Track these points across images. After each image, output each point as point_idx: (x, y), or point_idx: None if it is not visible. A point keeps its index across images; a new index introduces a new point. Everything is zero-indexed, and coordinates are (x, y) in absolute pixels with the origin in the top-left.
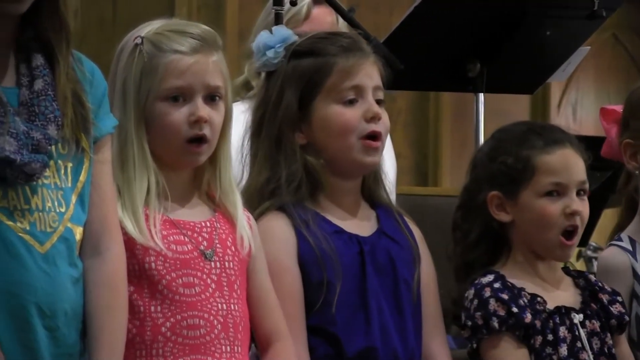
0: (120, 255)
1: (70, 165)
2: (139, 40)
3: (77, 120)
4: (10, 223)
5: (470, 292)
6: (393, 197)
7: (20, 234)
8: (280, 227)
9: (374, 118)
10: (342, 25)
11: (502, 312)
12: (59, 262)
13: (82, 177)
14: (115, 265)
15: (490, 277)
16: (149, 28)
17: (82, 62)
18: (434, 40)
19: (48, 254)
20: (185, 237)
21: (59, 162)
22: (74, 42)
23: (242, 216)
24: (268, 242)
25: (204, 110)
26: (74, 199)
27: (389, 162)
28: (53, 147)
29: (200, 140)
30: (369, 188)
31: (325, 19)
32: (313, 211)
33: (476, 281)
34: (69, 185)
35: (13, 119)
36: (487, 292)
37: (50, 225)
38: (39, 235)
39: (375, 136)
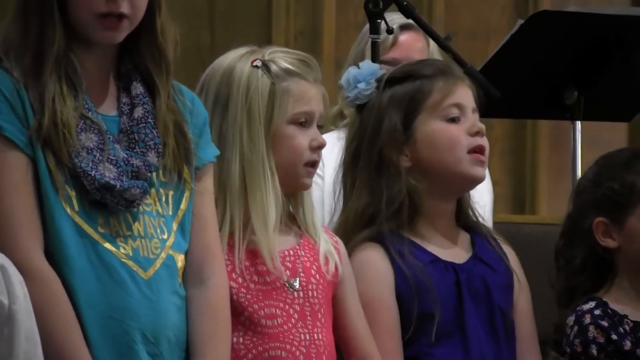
0: (222, 283)
1: (171, 193)
2: (258, 63)
3: (179, 150)
4: (113, 249)
5: (571, 319)
6: (489, 224)
7: (123, 260)
8: (377, 261)
9: (479, 133)
10: (433, 52)
11: (601, 340)
12: (162, 289)
13: (182, 206)
14: (218, 294)
15: (591, 304)
16: (257, 55)
17: (183, 92)
18: (531, 68)
19: (151, 280)
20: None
21: (160, 190)
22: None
23: (324, 237)
24: (367, 277)
25: (323, 138)
26: (175, 226)
27: (485, 189)
28: (154, 174)
29: (314, 164)
30: (465, 212)
31: (414, 45)
32: (409, 240)
33: (578, 308)
34: (170, 213)
35: (113, 146)
36: (587, 319)
37: (152, 251)
38: (142, 261)
39: (482, 150)
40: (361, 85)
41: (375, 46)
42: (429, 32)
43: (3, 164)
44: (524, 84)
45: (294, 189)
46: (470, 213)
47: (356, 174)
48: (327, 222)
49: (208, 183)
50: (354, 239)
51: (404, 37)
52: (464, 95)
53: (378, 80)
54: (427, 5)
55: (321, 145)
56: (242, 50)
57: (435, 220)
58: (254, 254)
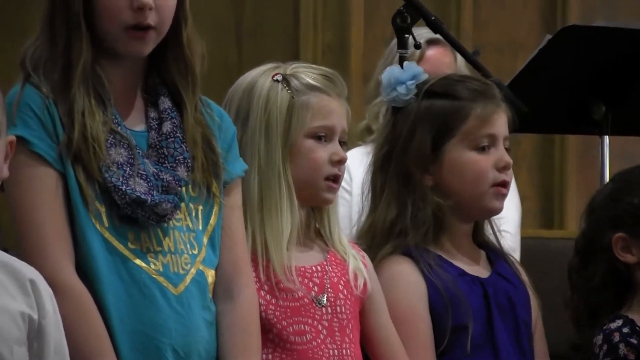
0: (252, 298)
1: (200, 208)
2: (279, 77)
3: (207, 165)
4: (143, 265)
5: (599, 338)
6: (517, 239)
7: (154, 276)
8: (409, 274)
9: (505, 168)
10: (461, 66)
11: (632, 357)
12: (192, 304)
13: (212, 221)
14: (248, 308)
15: (619, 322)
16: (279, 70)
17: (211, 106)
18: (559, 82)
19: (182, 295)
20: (296, 284)
21: (190, 205)
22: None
23: (353, 255)
24: (399, 290)
25: (344, 153)
26: (205, 241)
27: (512, 205)
28: (184, 189)
29: (335, 179)
30: (481, 231)
31: (442, 60)
32: (436, 254)
33: (605, 327)
34: (200, 227)
35: (142, 161)
36: (617, 337)
37: (182, 267)
38: (172, 277)
39: (505, 184)
40: (400, 89)
41: (402, 60)
42: (457, 47)
43: (33, 179)
44: (552, 98)
45: (314, 203)
46: (487, 231)
47: (386, 179)
48: (354, 220)
49: (237, 198)
50: (380, 252)
51: (431, 52)
52: (499, 124)
53: (418, 87)
54: (455, 20)
55: (342, 160)
56: (266, 66)
57: (458, 237)
58: None
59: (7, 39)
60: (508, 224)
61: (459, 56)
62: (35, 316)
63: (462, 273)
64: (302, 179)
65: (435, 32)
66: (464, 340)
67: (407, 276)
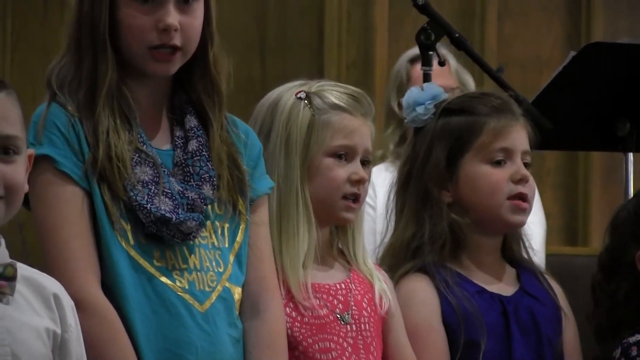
0: (279, 315)
1: (227, 226)
2: (302, 95)
3: (233, 182)
4: (169, 282)
5: (618, 351)
6: (541, 255)
7: (179, 294)
8: (423, 289)
9: (522, 180)
10: (458, 70)
11: None
12: (218, 322)
13: (238, 238)
14: (274, 326)
15: (638, 337)
16: (304, 87)
17: (237, 124)
18: (583, 99)
19: (207, 313)
20: (321, 301)
21: (216, 222)
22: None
23: (378, 277)
24: (413, 305)
25: (364, 172)
26: (231, 258)
27: (537, 222)
28: (209, 207)
29: (355, 200)
30: (510, 247)
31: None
32: (455, 271)
33: (624, 340)
34: (226, 245)
35: (168, 179)
36: (634, 351)
37: (208, 284)
38: (198, 294)
39: (523, 197)
40: (419, 109)
41: (426, 78)
42: (481, 64)
43: (59, 197)
44: (576, 115)
45: (333, 222)
46: (517, 248)
47: (406, 197)
48: (378, 242)
49: (263, 214)
50: (399, 270)
51: (417, 69)
52: (515, 138)
53: (436, 106)
54: (479, 37)
55: (361, 180)
56: (294, 83)
57: (480, 253)
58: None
59: (31, 56)
60: (533, 240)
61: (452, 63)
62: (58, 331)
63: (481, 290)
64: (320, 198)
65: (459, 49)
66: (476, 356)
67: (421, 291)
